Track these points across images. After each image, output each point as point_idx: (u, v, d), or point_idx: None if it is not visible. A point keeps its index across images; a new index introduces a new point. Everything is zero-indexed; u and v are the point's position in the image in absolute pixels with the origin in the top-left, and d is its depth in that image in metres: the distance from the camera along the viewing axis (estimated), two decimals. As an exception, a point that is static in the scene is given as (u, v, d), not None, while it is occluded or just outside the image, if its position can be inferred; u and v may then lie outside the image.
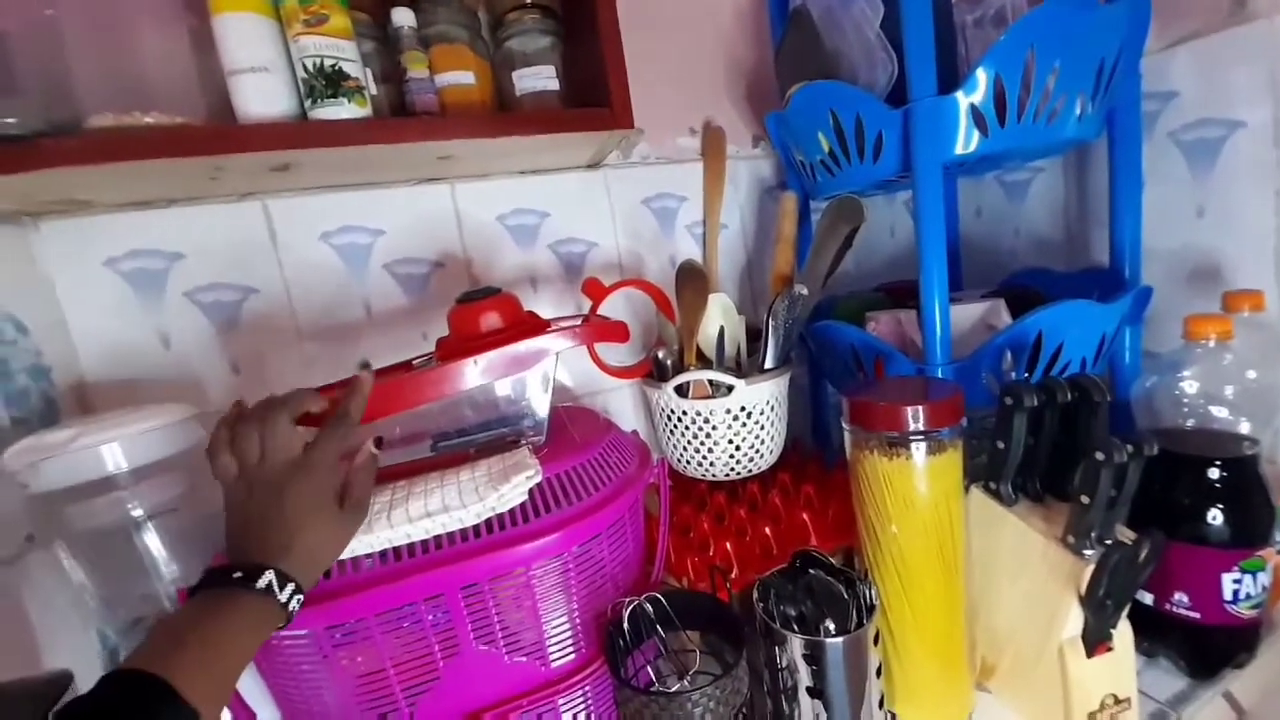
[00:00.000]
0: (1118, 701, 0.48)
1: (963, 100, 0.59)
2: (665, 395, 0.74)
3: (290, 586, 0.37)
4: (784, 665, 0.47)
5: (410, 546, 0.46)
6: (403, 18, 0.64)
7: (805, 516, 0.69)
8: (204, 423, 0.55)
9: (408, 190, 0.76)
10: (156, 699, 0.30)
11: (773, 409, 0.75)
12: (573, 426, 0.62)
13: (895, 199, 1.07)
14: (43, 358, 0.58)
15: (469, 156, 0.69)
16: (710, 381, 0.72)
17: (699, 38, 0.91)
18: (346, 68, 0.57)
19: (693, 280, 0.75)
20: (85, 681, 0.31)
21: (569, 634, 0.51)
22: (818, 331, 0.80)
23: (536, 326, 0.58)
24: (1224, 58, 0.66)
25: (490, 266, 0.81)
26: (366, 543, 0.44)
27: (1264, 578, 0.52)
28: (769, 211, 0.98)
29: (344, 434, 0.44)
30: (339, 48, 0.56)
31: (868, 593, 0.48)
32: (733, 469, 0.76)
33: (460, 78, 0.67)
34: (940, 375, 0.64)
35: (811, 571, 0.52)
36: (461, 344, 0.55)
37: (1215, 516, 0.52)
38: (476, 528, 0.47)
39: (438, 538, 0.46)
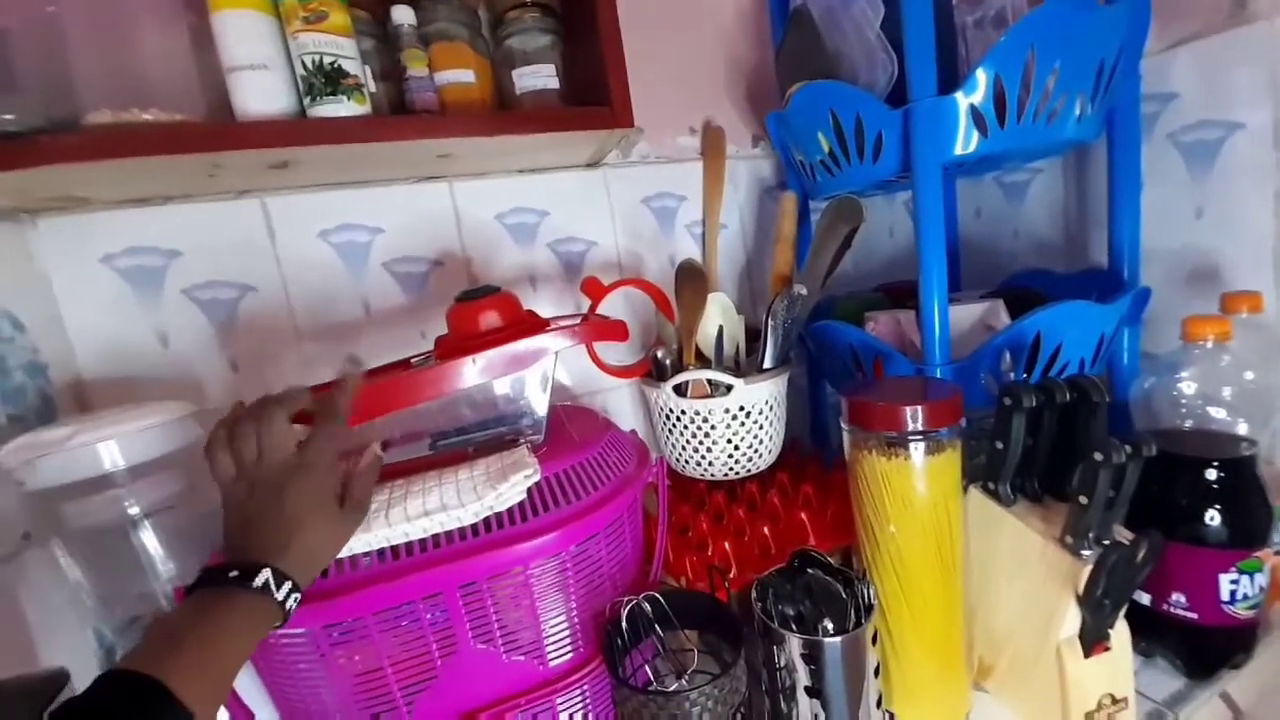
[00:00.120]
0: (1115, 701, 0.49)
1: (962, 101, 0.59)
2: (664, 395, 0.74)
3: (287, 585, 0.37)
4: (782, 664, 0.47)
5: (408, 545, 0.46)
6: (402, 15, 0.64)
7: (804, 516, 0.69)
8: (202, 421, 0.55)
9: (407, 188, 0.75)
10: (151, 700, 0.30)
11: (771, 409, 0.75)
12: (571, 426, 0.62)
13: (895, 199, 1.07)
14: (40, 355, 0.58)
15: (468, 155, 0.69)
16: (709, 381, 0.72)
17: (699, 37, 0.91)
18: (346, 65, 0.57)
19: (692, 280, 0.75)
20: (81, 680, 0.31)
21: (567, 633, 0.51)
22: (817, 331, 0.80)
23: (535, 325, 0.58)
24: (1224, 59, 0.66)
25: (489, 265, 0.81)
26: (365, 541, 0.44)
27: (1261, 578, 0.52)
28: (769, 211, 0.98)
29: (335, 431, 0.44)
30: (338, 45, 0.56)
31: (866, 592, 0.48)
32: (731, 469, 0.76)
33: (460, 76, 0.67)
34: (939, 375, 0.64)
35: (810, 571, 0.52)
36: (460, 343, 0.55)
37: (1213, 517, 0.52)
38: (475, 526, 0.47)
39: (436, 536, 0.46)
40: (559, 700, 0.49)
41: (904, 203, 1.07)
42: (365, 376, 0.59)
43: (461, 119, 0.64)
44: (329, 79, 0.56)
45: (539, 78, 0.70)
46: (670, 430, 0.77)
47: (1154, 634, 0.55)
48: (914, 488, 0.50)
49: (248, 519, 0.40)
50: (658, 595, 0.53)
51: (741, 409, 0.72)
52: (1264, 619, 0.55)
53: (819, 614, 0.49)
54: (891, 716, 0.52)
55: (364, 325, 0.75)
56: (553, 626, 0.50)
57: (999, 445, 0.52)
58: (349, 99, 0.57)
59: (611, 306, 0.72)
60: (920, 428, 0.48)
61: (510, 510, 0.48)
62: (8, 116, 0.48)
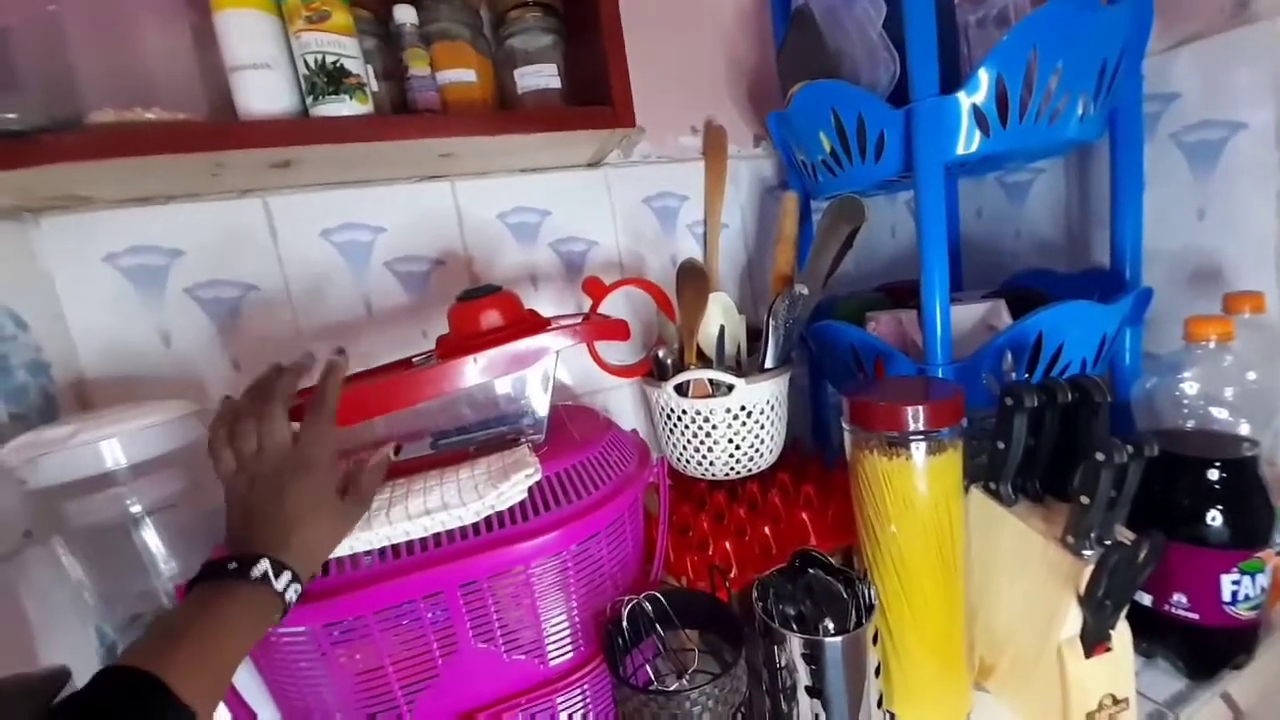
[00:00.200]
0: (1116, 702, 0.49)
1: (965, 100, 0.59)
2: (665, 394, 0.74)
3: (286, 575, 0.37)
4: (783, 664, 0.47)
5: (409, 544, 0.46)
6: (405, 15, 0.64)
7: (805, 516, 0.69)
8: (204, 419, 0.55)
9: (409, 188, 0.76)
10: (149, 696, 0.30)
11: (772, 408, 0.75)
12: (572, 425, 0.62)
13: (896, 199, 1.07)
14: (42, 353, 0.58)
15: (470, 154, 0.69)
16: (710, 381, 0.72)
17: (701, 37, 0.91)
18: (348, 64, 0.57)
19: (693, 279, 0.75)
20: (82, 678, 0.31)
21: (568, 632, 0.51)
22: (818, 331, 0.80)
23: (537, 325, 0.58)
24: (1226, 59, 0.66)
25: (491, 264, 0.81)
26: (366, 539, 0.44)
27: (1263, 579, 0.52)
28: (770, 211, 0.98)
29: (327, 418, 0.44)
30: (341, 44, 0.56)
31: (867, 592, 0.48)
32: (732, 468, 0.76)
33: (462, 75, 0.67)
34: (941, 375, 0.64)
35: (811, 571, 0.52)
36: (462, 342, 0.55)
37: (1214, 518, 0.52)
38: (476, 526, 0.47)
39: (437, 535, 0.46)
40: (559, 699, 0.49)
41: (906, 202, 1.07)
42: (364, 375, 0.60)
43: (463, 118, 0.64)
44: (331, 78, 0.56)
45: (541, 77, 0.70)
46: (671, 430, 0.77)
47: (1155, 634, 0.55)
48: (915, 488, 0.50)
49: (248, 512, 0.40)
50: (658, 595, 0.53)
51: (743, 409, 0.72)
52: (1265, 620, 0.55)
53: (820, 614, 0.49)
54: (892, 716, 0.52)
55: (366, 324, 0.75)
56: (553, 626, 0.50)
57: (1000, 445, 0.52)
58: (351, 98, 0.57)
59: (613, 306, 0.72)
60: (922, 428, 0.48)
61: (511, 509, 0.48)
62: (10, 115, 0.48)
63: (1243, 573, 0.51)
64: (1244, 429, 0.57)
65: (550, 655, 0.50)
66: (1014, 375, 0.64)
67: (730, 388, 0.71)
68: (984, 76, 0.58)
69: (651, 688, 0.53)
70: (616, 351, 0.83)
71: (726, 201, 0.92)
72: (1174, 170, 0.72)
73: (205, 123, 0.57)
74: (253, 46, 0.55)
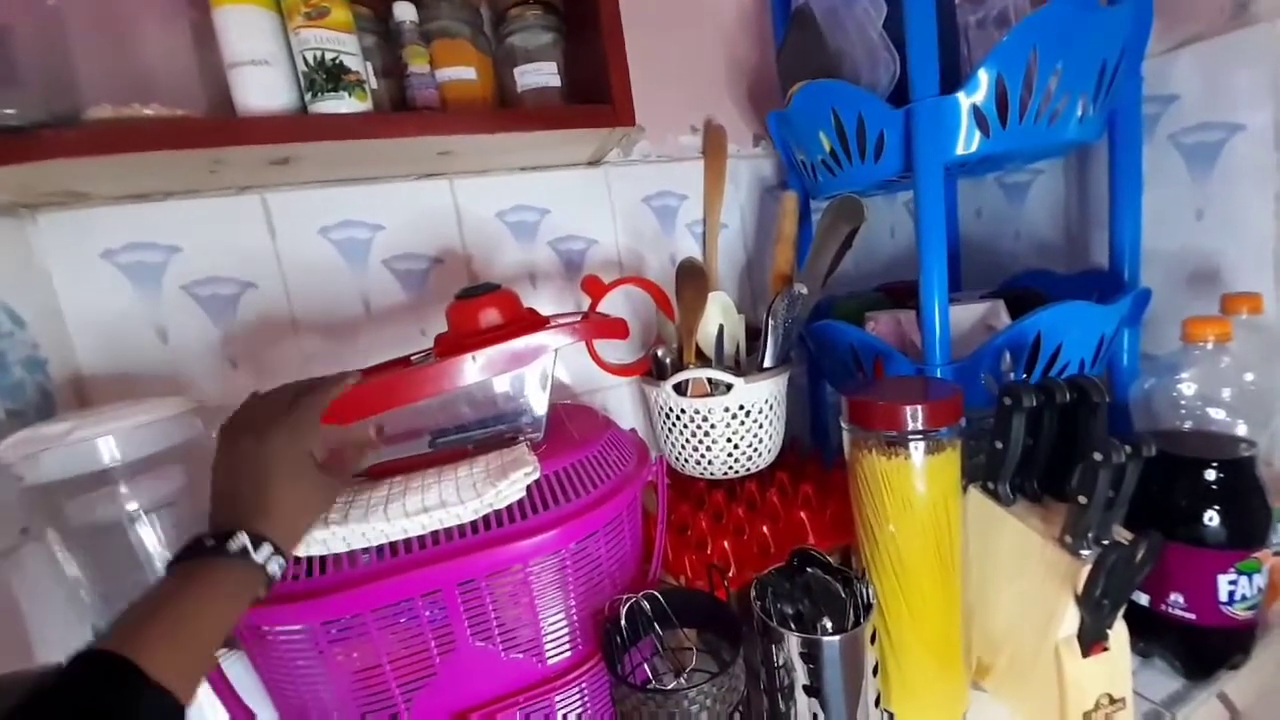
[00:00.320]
0: (1113, 701, 0.49)
1: (965, 101, 0.59)
2: (664, 393, 0.74)
3: (267, 547, 0.37)
4: (781, 663, 0.47)
5: (407, 542, 0.46)
6: (404, 12, 0.64)
7: (803, 515, 0.69)
8: (201, 416, 0.55)
9: (408, 185, 0.75)
10: (122, 679, 0.29)
11: (771, 408, 0.75)
12: (571, 424, 0.62)
13: (896, 199, 1.07)
14: (39, 350, 0.58)
15: (469, 152, 0.69)
16: (709, 380, 0.72)
17: (701, 36, 0.91)
18: (347, 61, 0.57)
19: (692, 278, 0.75)
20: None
21: (566, 631, 0.51)
22: (817, 331, 0.80)
23: (535, 323, 0.58)
24: (1225, 61, 0.66)
25: (490, 263, 0.81)
26: (364, 537, 0.44)
27: (1259, 579, 0.52)
28: (769, 211, 0.98)
29: (323, 397, 0.45)
30: (340, 41, 0.56)
31: (865, 591, 0.48)
32: (731, 467, 0.76)
33: (461, 73, 0.67)
34: (939, 375, 0.64)
35: (809, 570, 0.52)
36: (460, 340, 0.55)
37: (1212, 518, 0.52)
38: (474, 524, 0.47)
39: (435, 533, 0.46)
40: (557, 698, 0.49)
41: (905, 203, 1.07)
42: (364, 375, 0.59)
43: (463, 116, 0.64)
44: (330, 75, 0.56)
45: (540, 75, 0.70)
46: (670, 429, 0.77)
47: (1152, 634, 0.55)
48: (914, 487, 0.50)
49: (231, 469, 0.40)
50: (657, 594, 0.53)
51: (741, 408, 0.72)
52: (1262, 620, 0.55)
53: (818, 613, 0.49)
54: (890, 715, 0.52)
55: (364, 322, 0.75)
56: (551, 624, 0.50)
57: (999, 445, 0.52)
58: (350, 95, 0.57)
59: (612, 305, 0.72)
60: (920, 427, 0.48)
61: (509, 508, 0.48)
62: (9, 111, 0.48)
63: (1239, 573, 0.51)
64: (1241, 430, 0.57)
65: (548, 654, 0.50)
66: (1012, 375, 0.64)
67: (729, 387, 0.71)
68: (984, 77, 0.58)
69: (649, 686, 0.53)
70: (615, 350, 0.83)
71: (726, 201, 0.92)
72: (1173, 171, 0.72)
73: (204, 119, 0.57)
74: (252, 43, 0.54)
